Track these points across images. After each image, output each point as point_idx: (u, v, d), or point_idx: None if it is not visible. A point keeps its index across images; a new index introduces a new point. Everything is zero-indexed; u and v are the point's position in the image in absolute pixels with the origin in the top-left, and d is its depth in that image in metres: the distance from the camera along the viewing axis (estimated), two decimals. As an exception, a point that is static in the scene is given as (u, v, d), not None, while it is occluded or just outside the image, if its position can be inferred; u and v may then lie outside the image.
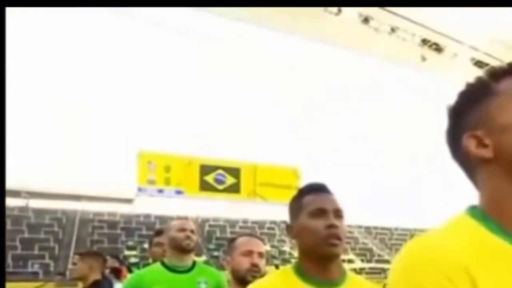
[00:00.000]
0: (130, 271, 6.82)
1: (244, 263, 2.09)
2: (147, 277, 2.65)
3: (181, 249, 2.69)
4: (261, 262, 2.12)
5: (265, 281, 1.52)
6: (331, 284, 1.39)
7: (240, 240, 2.19)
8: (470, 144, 0.83)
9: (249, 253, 2.11)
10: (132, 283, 2.68)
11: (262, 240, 2.27)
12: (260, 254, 2.14)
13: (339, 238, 1.39)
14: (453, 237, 0.75)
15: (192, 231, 2.73)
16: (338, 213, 1.44)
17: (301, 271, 1.42)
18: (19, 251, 16.90)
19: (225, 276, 2.82)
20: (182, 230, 2.70)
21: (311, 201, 1.45)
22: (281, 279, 1.45)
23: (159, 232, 3.57)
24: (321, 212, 1.41)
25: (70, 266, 3.63)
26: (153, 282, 2.60)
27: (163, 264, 2.71)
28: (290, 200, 1.54)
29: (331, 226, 1.39)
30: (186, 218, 2.91)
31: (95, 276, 3.43)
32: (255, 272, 2.07)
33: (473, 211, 0.82)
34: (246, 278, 2.04)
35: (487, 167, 0.82)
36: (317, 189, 1.49)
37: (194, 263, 2.77)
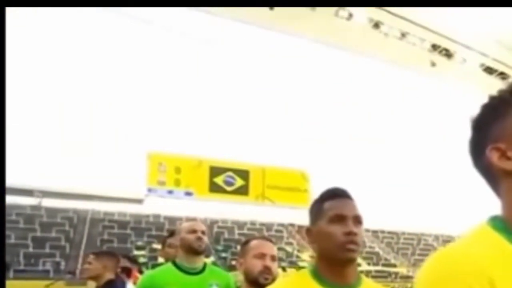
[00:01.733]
0: (140, 271, 6.96)
1: (256, 265, 2.15)
2: (159, 278, 2.68)
3: (192, 251, 2.71)
4: (273, 265, 2.19)
5: (282, 284, 1.60)
6: (347, 287, 1.45)
7: (253, 242, 2.25)
8: (493, 156, 0.86)
9: (262, 255, 2.17)
10: (145, 283, 2.71)
11: (274, 243, 2.35)
12: (273, 257, 2.21)
13: (356, 244, 1.43)
14: (475, 249, 0.77)
15: (203, 233, 2.76)
16: (357, 220, 1.47)
17: (318, 275, 1.46)
18: (31, 250, 17.08)
19: (234, 277, 2.90)
20: (193, 231, 2.73)
21: (331, 206, 1.47)
22: (298, 282, 1.50)
23: (172, 233, 3.62)
24: (340, 218, 1.44)
25: (85, 265, 3.68)
26: (166, 283, 2.63)
27: (174, 264, 2.74)
28: (311, 204, 1.58)
29: (350, 233, 1.42)
30: (196, 220, 2.93)
31: (109, 275, 3.48)
32: (267, 275, 2.14)
33: (495, 222, 0.84)
34: (258, 280, 2.12)
35: (509, 179, 0.84)
36: (338, 194, 1.52)
37: (205, 264, 2.80)
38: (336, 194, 1.52)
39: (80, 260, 17.49)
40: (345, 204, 1.49)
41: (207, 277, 2.74)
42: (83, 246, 18.35)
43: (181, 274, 2.69)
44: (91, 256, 3.61)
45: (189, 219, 2.93)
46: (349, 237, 1.42)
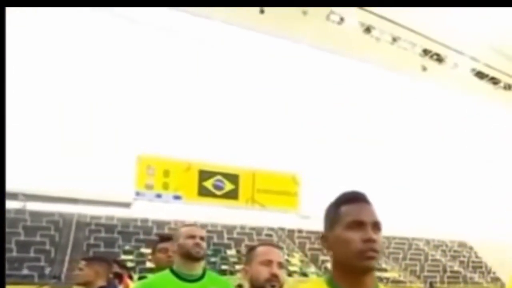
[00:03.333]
0: (130, 276, 6.78)
1: (263, 272, 2.03)
2: (157, 286, 2.53)
3: (191, 257, 2.57)
4: (280, 272, 2.06)
5: None
6: None
7: (260, 249, 2.13)
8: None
9: (269, 262, 2.05)
10: None
11: (281, 249, 2.22)
12: (280, 264, 2.08)
13: (376, 252, 1.32)
14: None
15: (202, 238, 2.62)
16: (376, 226, 1.37)
17: (334, 284, 1.37)
18: (14, 254, 16.82)
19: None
20: (192, 237, 2.59)
21: (349, 211, 1.37)
22: None
23: (163, 238, 3.48)
24: (358, 225, 1.34)
25: (76, 271, 3.57)
26: None
27: (172, 271, 2.59)
28: (327, 209, 1.46)
29: (369, 240, 1.32)
30: (195, 224, 2.77)
31: (101, 282, 3.39)
32: (275, 282, 2.02)
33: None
34: None
35: None
36: (356, 198, 1.41)
37: (204, 271, 2.64)
38: (353, 198, 1.41)
39: (66, 264, 17.34)
40: (363, 209, 1.38)
41: (206, 284, 2.58)
42: (68, 251, 18.18)
43: (179, 282, 2.53)
44: (82, 262, 3.49)
45: (189, 224, 2.75)
46: (368, 244, 1.31)
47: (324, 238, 1.43)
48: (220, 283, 2.66)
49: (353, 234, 1.32)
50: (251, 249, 2.18)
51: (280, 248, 2.22)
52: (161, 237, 3.59)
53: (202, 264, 2.63)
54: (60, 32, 21.22)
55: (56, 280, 16.20)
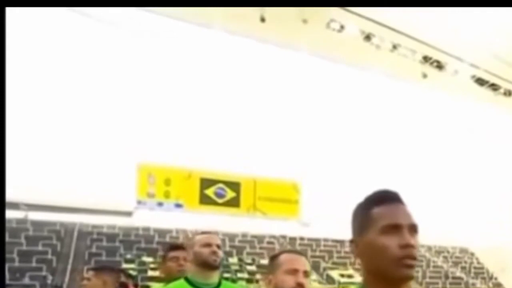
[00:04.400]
0: (136, 285, 6.78)
1: (288, 282, 1.93)
2: None
3: (207, 266, 2.51)
4: (306, 282, 1.96)
5: None
6: None
7: (284, 257, 2.03)
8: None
9: (294, 271, 1.95)
10: None
11: (306, 256, 2.12)
12: (306, 273, 1.98)
13: (414, 259, 1.19)
14: None
15: (218, 246, 2.56)
16: (413, 229, 1.24)
17: None
18: (16, 264, 16.79)
19: None
20: (208, 245, 2.53)
21: (382, 214, 1.23)
22: None
23: (174, 247, 3.44)
24: (394, 228, 1.20)
25: (84, 281, 3.52)
26: None
27: (187, 280, 2.53)
28: (355, 211, 1.32)
29: (407, 245, 1.19)
30: (210, 232, 2.69)
31: None
32: None
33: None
34: None
35: None
36: (389, 198, 1.26)
37: (220, 280, 2.59)
38: (386, 198, 1.27)
39: (68, 274, 17.31)
40: (398, 211, 1.24)
41: None
42: (70, 260, 18.13)
43: None
44: (90, 272, 3.49)
45: (205, 232, 2.67)
46: (406, 251, 1.18)
47: (353, 244, 1.30)
48: None
49: (389, 239, 1.19)
50: (274, 256, 2.10)
51: (305, 256, 2.12)
52: (172, 245, 3.55)
53: (218, 272, 2.59)
54: (59, 37, 21.23)
55: (58, 290, 16.18)
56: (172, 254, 3.32)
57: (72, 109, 21.21)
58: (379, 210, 1.24)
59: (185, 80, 23.38)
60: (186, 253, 2.74)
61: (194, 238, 2.65)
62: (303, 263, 2.02)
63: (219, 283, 2.56)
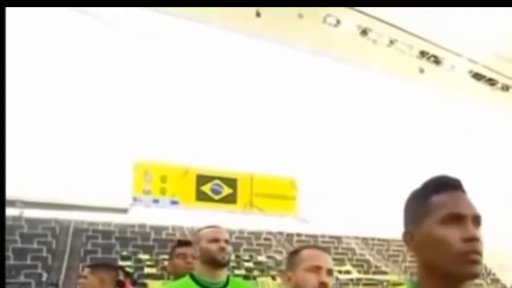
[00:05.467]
0: (133, 283, 6.66)
1: (310, 280, 1.77)
2: None
3: (215, 263, 2.32)
4: (330, 281, 1.80)
5: None
6: None
7: (306, 253, 1.86)
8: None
9: (317, 269, 1.79)
10: None
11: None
12: (329, 271, 1.82)
13: (479, 254, 1.05)
14: None
15: (226, 242, 2.38)
16: (477, 221, 1.09)
17: None
18: (11, 261, 16.66)
19: None
20: (215, 240, 2.34)
21: (443, 202, 1.10)
22: None
23: (182, 243, 3.25)
24: (456, 219, 1.07)
25: (80, 279, 3.38)
26: None
27: (193, 278, 2.34)
28: (410, 199, 1.20)
29: (471, 238, 1.05)
30: (218, 226, 2.49)
31: None
32: None
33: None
34: None
35: None
36: (451, 186, 1.13)
37: (228, 278, 2.40)
38: (447, 185, 1.13)
39: (63, 271, 17.20)
40: (461, 199, 1.11)
41: None
42: (66, 257, 18.01)
43: None
44: (87, 269, 3.31)
45: (211, 226, 2.48)
46: (470, 245, 1.04)
47: (408, 235, 1.15)
48: None
49: (450, 231, 1.06)
50: (294, 252, 1.93)
51: (328, 253, 1.94)
52: (180, 241, 3.36)
53: (225, 270, 2.41)
54: (55, 35, 21.09)
55: (54, 287, 16.05)
56: (180, 250, 3.14)
57: (68, 106, 21.07)
58: (439, 198, 1.11)
59: (181, 77, 23.25)
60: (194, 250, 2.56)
61: (200, 232, 2.46)
62: (327, 260, 1.86)
63: (227, 282, 2.39)
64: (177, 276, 2.80)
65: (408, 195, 1.21)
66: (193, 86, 23.50)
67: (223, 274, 2.37)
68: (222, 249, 2.34)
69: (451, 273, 1.05)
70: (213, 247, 2.33)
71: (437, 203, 1.10)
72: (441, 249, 1.05)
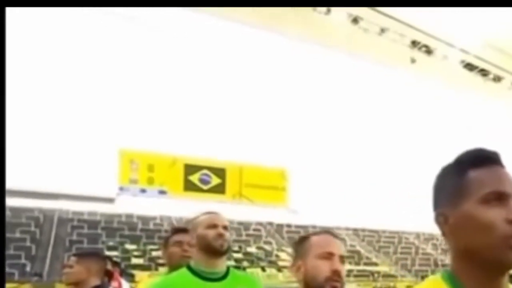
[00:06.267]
0: (122, 273, 6.39)
1: (323, 268, 1.62)
2: (174, 287, 2.09)
3: (213, 251, 2.14)
4: (343, 269, 1.66)
5: None
6: None
7: (316, 239, 1.71)
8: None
9: (329, 255, 1.65)
10: None
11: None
12: (342, 258, 1.68)
13: None
14: None
15: (225, 228, 2.19)
16: None
17: (456, 282, 0.95)
18: (-7, 251, 16.34)
19: None
20: (213, 226, 2.17)
21: (483, 179, 0.94)
22: None
23: (178, 230, 3.00)
24: (499, 198, 0.91)
25: (66, 269, 3.16)
26: None
27: (190, 269, 2.16)
28: (441, 175, 1.03)
29: None
30: (216, 212, 2.30)
31: (94, 280, 2.92)
32: (336, 282, 1.61)
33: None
34: None
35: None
36: (489, 160, 0.97)
37: (228, 268, 2.22)
38: (486, 159, 0.96)
39: (48, 261, 16.96)
40: (503, 176, 0.94)
41: (232, 283, 2.16)
42: (50, 248, 17.82)
43: (200, 281, 2.10)
44: (73, 258, 3.01)
45: (209, 212, 2.27)
46: None
47: (442, 217, 0.98)
48: (247, 282, 2.24)
49: (493, 211, 0.90)
50: (303, 239, 1.76)
51: (340, 238, 1.77)
52: (176, 228, 3.11)
53: (225, 259, 2.20)
54: (39, 29, 20.75)
55: (38, 278, 15.82)
56: (176, 238, 2.89)
57: (53, 95, 20.78)
58: (477, 174, 0.95)
59: (169, 65, 23.00)
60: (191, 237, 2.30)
61: (196, 219, 2.25)
62: (339, 247, 1.70)
63: (227, 273, 2.19)
64: (173, 266, 2.62)
65: (439, 171, 1.03)
66: (182, 75, 23.25)
67: (222, 263, 2.18)
68: (220, 236, 2.15)
69: (494, 260, 0.90)
70: (211, 233, 2.15)
71: (477, 180, 0.94)
72: (484, 233, 0.90)
